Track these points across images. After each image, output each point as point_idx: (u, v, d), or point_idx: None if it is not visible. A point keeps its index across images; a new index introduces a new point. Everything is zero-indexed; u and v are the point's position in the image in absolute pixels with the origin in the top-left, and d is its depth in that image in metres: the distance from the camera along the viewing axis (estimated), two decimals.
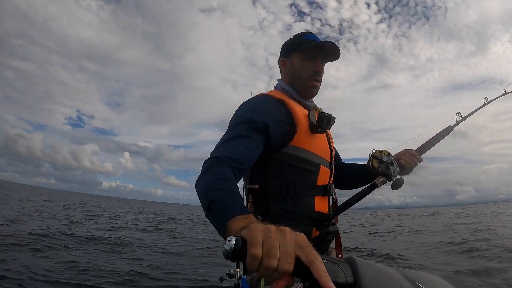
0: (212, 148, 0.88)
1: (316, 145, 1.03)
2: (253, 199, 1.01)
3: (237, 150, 0.84)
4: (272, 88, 1.17)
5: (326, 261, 0.48)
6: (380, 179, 1.09)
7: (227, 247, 0.45)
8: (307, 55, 1.08)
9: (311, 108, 1.10)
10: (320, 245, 1.01)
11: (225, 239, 0.48)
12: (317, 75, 1.09)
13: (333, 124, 1.04)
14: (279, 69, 1.19)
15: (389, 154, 1.14)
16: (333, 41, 1.05)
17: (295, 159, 0.98)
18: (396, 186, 1.10)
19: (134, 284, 3.91)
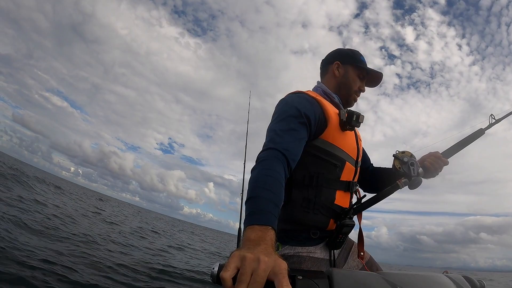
0: None
1: (344, 142, 1.08)
2: None
3: (291, 142, 0.91)
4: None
5: (301, 278, 0.55)
6: (402, 180, 1.08)
7: (211, 271, 0.55)
8: (360, 73, 1.22)
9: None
10: (336, 237, 1.05)
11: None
12: (360, 92, 1.23)
13: (362, 122, 1.09)
14: (325, 69, 1.27)
15: (411, 155, 1.14)
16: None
17: (323, 151, 1.04)
18: (413, 185, 1.09)
19: None
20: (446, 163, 1.18)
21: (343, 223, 1.04)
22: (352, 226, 1.08)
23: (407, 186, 1.09)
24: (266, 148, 0.88)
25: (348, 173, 1.10)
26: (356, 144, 1.15)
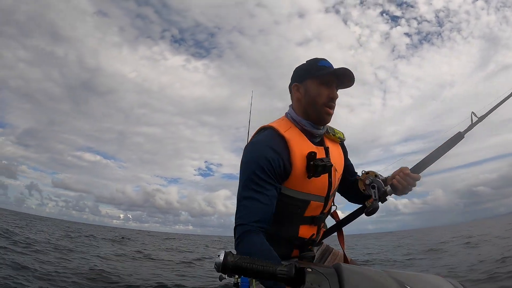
0: None
1: (309, 186, 1.04)
2: None
3: (259, 211, 0.93)
4: (283, 116, 1.17)
5: (311, 270, 0.54)
6: (371, 203, 1.07)
7: (216, 260, 0.56)
8: (323, 82, 1.06)
9: (321, 134, 1.12)
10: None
11: None
12: (332, 101, 1.08)
13: (327, 170, 1.02)
14: (291, 94, 1.17)
15: (375, 175, 1.12)
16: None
17: (284, 196, 1.03)
18: (368, 213, 1.08)
19: None
20: (418, 178, 1.07)
21: (302, 255, 1.14)
22: (311, 257, 1.16)
23: (364, 212, 1.10)
24: (238, 223, 0.93)
25: (314, 209, 1.09)
26: (328, 181, 1.09)
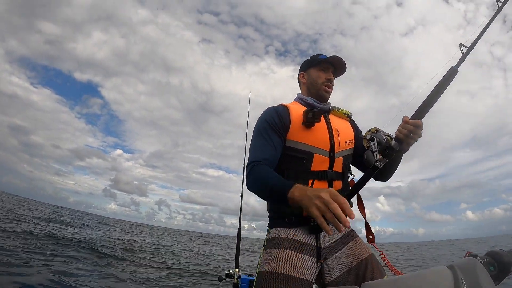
0: None
1: (309, 137, 1.19)
2: None
3: (267, 152, 1.14)
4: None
5: None
6: (378, 160, 1.05)
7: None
8: (320, 68, 1.33)
9: (323, 109, 1.31)
10: (310, 221, 1.14)
11: (292, 205, 0.87)
12: (329, 82, 1.32)
13: (318, 119, 1.17)
14: (298, 83, 1.45)
15: (376, 130, 1.11)
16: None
17: (288, 149, 1.18)
18: (366, 162, 1.06)
19: None
20: (417, 124, 1.03)
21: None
22: None
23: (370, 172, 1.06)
24: (249, 163, 1.13)
25: (320, 164, 1.17)
26: (328, 136, 1.21)
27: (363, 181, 1.12)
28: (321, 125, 1.21)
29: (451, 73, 1.06)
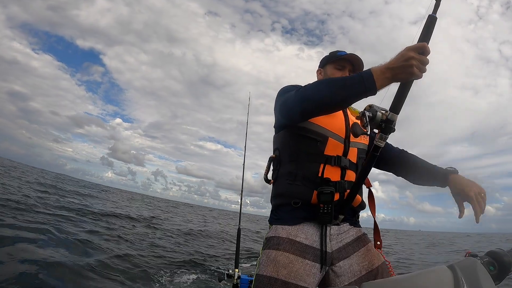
0: None
1: (326, 121, 1.14)
2: (273, 166, 1.23)
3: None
4: None
5: None
6: (377, 138, 0.95)
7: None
8: (337, 66, 1.30)
9: None
10: (318, 208, 1.03)
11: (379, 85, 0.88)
12: None
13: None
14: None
15: (370, 106, 0.96)
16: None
17: (303, 130, 1.13)
18: (354, 134, 0.99)
19: None
20: (422, 46, 0.88)
21: (320, 190, 1.03)
22: (329, 193, 1.03)
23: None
24: (295, 93, 1.08)
25: (334, 148, 1.11)
26: (345, 124, 1.17)
27: (368, 164, 1.02)
28: (339, 113, 1.19)
29: (431, 21, 0.94)
